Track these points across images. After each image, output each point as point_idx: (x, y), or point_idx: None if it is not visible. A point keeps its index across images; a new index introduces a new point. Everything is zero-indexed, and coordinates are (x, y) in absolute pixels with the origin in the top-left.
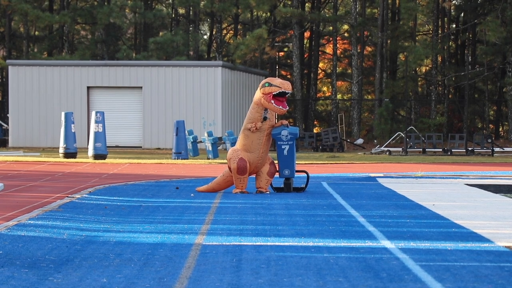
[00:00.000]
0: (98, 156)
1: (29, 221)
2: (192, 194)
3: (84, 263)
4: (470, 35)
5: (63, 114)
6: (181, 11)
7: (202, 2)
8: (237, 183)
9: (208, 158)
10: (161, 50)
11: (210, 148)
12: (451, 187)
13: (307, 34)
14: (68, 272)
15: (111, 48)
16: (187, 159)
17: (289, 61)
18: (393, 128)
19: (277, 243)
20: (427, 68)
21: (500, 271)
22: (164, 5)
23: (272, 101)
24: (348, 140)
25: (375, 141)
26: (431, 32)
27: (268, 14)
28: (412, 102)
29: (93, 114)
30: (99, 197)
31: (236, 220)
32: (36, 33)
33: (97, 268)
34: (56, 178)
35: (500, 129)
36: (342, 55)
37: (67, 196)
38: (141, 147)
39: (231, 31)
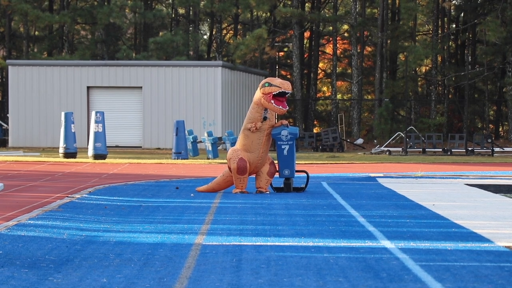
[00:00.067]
0: (98, 156)
1: (29, 221)
2: (192, 194)
3: (84, 263)
4: (470, 35)
5: (63, 114)
6: (181, 11)
7: (202, 2)
8: (237, 183)
9: (208, 158)
10: (161, 50)
11: (210, 148)
12: (451, 187)
13: (307, 34)
14: (68, 272)
15: (111, 48)
16: (187, 159)
17: (289, 61)
18: (393, 128)
19: (277, 243)
20: (427, 68)
21: (500, 271)
22: (164, 5)
23: (272, 101)
24: (348, 140)
25: (375, 141)
26: (431, 32)
27: (268, 14)
28: (412, 102)
29: (93, 114)
30: (99, 197)
31: (236, 220)
32: (36, 33)
33: (97, 268)
34: (56, 178)
35: (500, 129)
36: (342, 55)
37: (67, 196)
38: (141, 147)
39: (231, 31)
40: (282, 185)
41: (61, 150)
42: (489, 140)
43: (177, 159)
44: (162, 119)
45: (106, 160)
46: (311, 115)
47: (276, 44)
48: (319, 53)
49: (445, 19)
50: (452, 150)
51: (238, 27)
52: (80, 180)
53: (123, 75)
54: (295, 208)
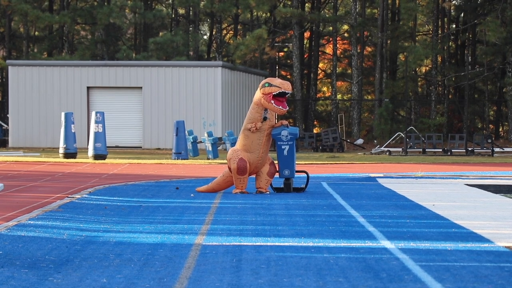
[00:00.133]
0: (98, 156)
1: (29, 221)
2: (192, 194)
3: (84, 263)
4: (470, 35)
5: (63, 114)
6: (181, 11)
7: (202, 2)
8: (237, 183)
9: (208, 158)
10: (161, 50)
11: (210, 148)
12: (451, 187)
13: (307, 34)
14: (68, 272)
15: (111, 48)
16: (187, 159)
17: (289, 61)
18: (393, 128)
19: (277, 243)
20: (427, 68)
21: (500, 271)
22: (164, 5)
23: (272, 101)
24: (348, 140)
25: (375, 141)
26: (431, 32)
27: (268, 14)
28: (412, 102)
29: (93, 114)
30: (99, 197)
31: (236, 220)
32: (36, 33)
33: (97, 268)
34: (56, 178)
35: (500, 129)
36: (342, 55)
37: (67, 196)
38: (141, 147)
39: (231, 31)
40: (282, 185)
41: (61, 151)
42: (489, 140)
43: (177, 159)
44: (162, 119)
45: (106, 161)
46: (311, 115)
47: (276, 44)
48: (319, 53)
49: (445, 19)
50: (452, 150)
51: (238, 27)
52: (80, 181)
53: (123, 75)
54: (295, 208)
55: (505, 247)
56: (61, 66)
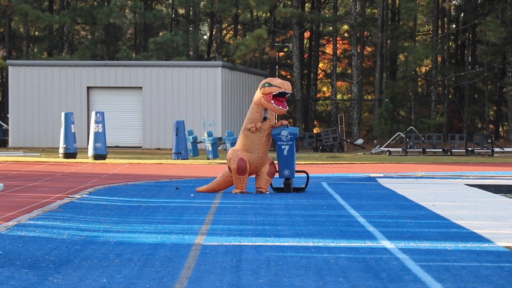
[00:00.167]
0: (98, 156)
1: (29, 221)
2: (192, 195)
3: (84, 263)
4: (470, 35)
5: (63, 114)
6: (181, 11)
7: (202, 2)
8: (237, 183)
9: (208, 158)
10: (161, 50)
11: (210, 148)
12: (451, 187)
13: (307, 34)
14: (68, 272)
15: (111, 48)
16: (187, 159)
17: (289, 61)
18: (393, 128)
19: (277, 243)
20: (427, 68)
21: (500, 271)
22: (164, 5)
23: (272, 101)
24: (348, 140)
25: (375, 141)
26: (431, 32)
27: (268, 14)
28: (412, 102)
29: (93, 114)
30: (99, 197)
31: (236, 220)
32: (36, 33)
33: (97, 268)
34: (56, 178)
35: (500, 129)
36: (342, 55)
37: (67, 196)
38: (141, 147)
39: (231, 31)
40: (282, 185)
41: (61, 151)
42: (489, 140)
43: (177, 159)
44: (162, 119)
45: (106, 161)
46: (311, 116)
47: (276, 44)
48: (319, 53)
49: (445, 19)
50: (452, 150)
51: (238, 27)
52: (80, 181)
53: (123, 75)
54: (295, 208)
55: (505, 247)
56: (61, 66)
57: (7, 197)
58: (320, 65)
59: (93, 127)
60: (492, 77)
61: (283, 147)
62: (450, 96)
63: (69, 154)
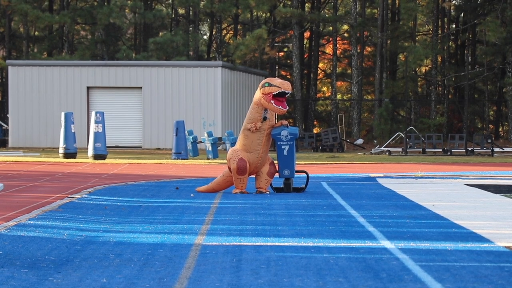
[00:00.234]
0: (98, 156)
1: (29, 221)
2: (192, 195)
3: (84, 263)
4: (470, 35)
5: (63, 114)
6: (181, 11)
7: (202, 2)
8: (237, 183)
9: (208, 158)
10: (161, 50)
11: (210, 148)
12: (451, 187)
13: (307, 34)
14: (68, 272)
15: (111, 48)
16: (187, 159)
17: (289, 61)
18: (393, 128)
19: (277, 243)
20: (427, 68)
21: (500, 271)
22: (164, 5)
23: (272, 101)
24: (348, 140)
25: (375, 141)
26: (431, 32)
27: (268, 14)
28: (412, 102)
29: (93, 114)
30: (99, 197)
31: (236, 220)
32: (36, 33)
33: (97, 268)
34: (56, 178)
35: (500, 129)
36: (342, 55)
37: (67, 196)
38: (141, 147)
39: (231, 31)
40: (282, 185)
41: (61, 151)
42: (489, 140)
43: (177, 159)
44: (162, 119)
45: (106, 161)
46: (311, 116)
47: (276, 44)
48: (319, 53)
49: (445, 19)
50: (452, 150)
51: (238, 27)
52: (80, 181)
53: (123, 75)
54: (295, 208)
55: (505, 247)
56: (61, 66)
57: (7, 197)
58: (320, 65)
59: (93, 127)
60: (492, 77)
61: (283, 147)
62: (450, 96)
63: (69, 154)
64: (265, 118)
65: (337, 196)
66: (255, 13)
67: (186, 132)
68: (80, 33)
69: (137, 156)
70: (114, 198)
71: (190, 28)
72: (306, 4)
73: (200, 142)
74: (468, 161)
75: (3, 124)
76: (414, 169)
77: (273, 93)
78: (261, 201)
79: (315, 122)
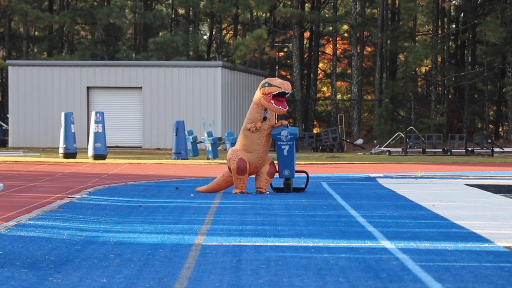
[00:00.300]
0: (98, 156)
1: (29, 222)
2: (192, 195)
3: (84, 264)
4: (470, 35)
5: (63, 114)
6: (181, 11)
7: (202, 3)
8: (237, 183)
9: (208, 159)
10: (161, 51)
11: (210, 149)
12: (451, 187)
13: (307, 34)
14: (68, 273)
15: (111, 49)
16: (187, 159)
17: (289, 61)
18: (393, 128)
19: (277, 244)
20: (427, 68)
21: (500, 271)
22: (164, 5)
23: (272, 101)
24: (348, 140)
25: (375, 141)
26: (431, 32)
27: (268, 14)
28: (412, 102)
29: (93, 114)
30: (99, 197)
31: (236, 220)
32: (36, 33)
33: (97, 269)
34: (56, 178)
35: (500, 129)
36: (342, 55)
37: (67, 197)
38: (141, 147)
39: (231, 32)
40: (282, 186)
41: (61, 151)
42: (489, 140)
43: (177, 159)
44: (162, 120)
45: (106, 161)
46: (311, 116)
47: (276, 44)
48: (319, 53)
49: (445, 19)
50: (452, 150)
51: (238, 27)
52: (80, 181)
53: (123, 75)
54: (295, 208)
55: (505, 247)
56: (61, 66)
57: (7, 197)
58: (320, 65)
59: (93, 127)
60: (492, 77)
61: (283, 147)
62: (450, 96)
63: (69, 154)
64: (265, 118)
65: (337, 196)
66: (255, 13)
67: (186, 132)
68: (80, 33)
69: (137, 156)
70: (114, 198)
71: (190, 28)
72: (306, 4)
73: (200, 142)
74: (468, 161)
75: (3, 124)
76: (414, 169)
77: (273, 93)
78: (261, 201)
79: (315, 122)
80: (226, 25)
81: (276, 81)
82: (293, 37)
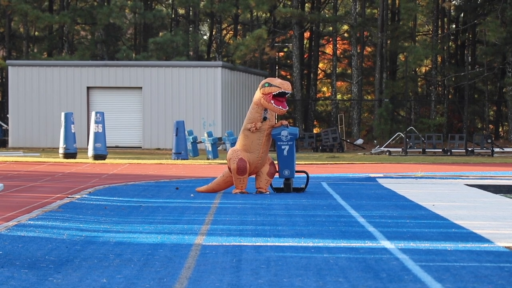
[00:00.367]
0: (98, 156)
1: (29, 222)
2: (192, 195)
3: (84, 264)
4: (470, 36)
5: (63, 114)
6: (181, 11)
7: (202, 3)
8: (237, 183)
9: (208, 159)
10: (161, 51)
11: (210, 149)
12: (451, 187)
13: (307, 34)
14: (68, 273)
15: (111, 49)
16: (187, 159)
17: (289, 61)
18: (393, 128)
19: (277, 244)
20: (427, 68)
21: (500, 271)
22: (164, 5)
23: (272, 101)
24: (348, 141)
25: (375, 141)
26: (431, 32)
27: (268, 14)
28: (412, 102)
29: (93, 114)
30: (99, 197)
31: (236, 220)
32: (36, 33)
33: (97, 269)
34: (56, 178)
35: (500, 129)
36: (342, 56)
37: (67, 197)
38: (141, 147)
39: (231, 32)
40: (282, 186)
41: (61, 151)
42: (489, 141)
43: (177, 159)
44: (162, 120)
45: (106, 161)
46: (311, 116)
47: (276, 44)
48: (319, 53)
49: (445, 19)
50: (452, 150)
51: (238, 27)
52: (80, 181)
53: (123, 75)
54: (295, 208)
55: (505, 247)
56: (61, 66)
57: (7, 197)
58: (320, 65)
59: (93, 127)
60: (492, 77)
61: (283, 147)
62: (450, 96)
63: (69, 154)
64: (265, 118)
65: (337, 196)
66: (255, 13)
67: (186, 132)
68: (80, 33)
69: (137, 156)
70: (114, 198)
71: (190, 28)
72: (306, 4)
73: (200, 142)
74: (468, 161)
75: (3, 124)
76: (414, 169)
77: (273, 93)
78: (261, 201)
79: (315, 122)
80: (226, 25)
81: (276, 81)
82: (293, 37)
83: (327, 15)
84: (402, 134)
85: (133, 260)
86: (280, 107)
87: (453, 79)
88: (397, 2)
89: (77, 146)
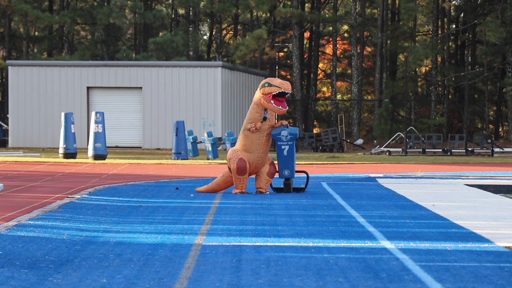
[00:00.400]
0: (98, 156)
1: (29, 222)
2: (192, 195)
3: (84, 264)
4: (470, 36)
5: (63, 114)
6: (181, 11)
7: (202, 3)
8: (236, 183)
9: (208, 159)
10: (161, 51)
11: (210, 149)
12: (451, 187)
13: (307, 34)
14: (68, 273)
15: (111, 49)
16: (187, 159)
17: (289, 61)
18: (393, 128)
19: (277, 244)
20: (427, 68)
21: (500, 271)
22: (164, 5)
23: (272, 101)
24: (348, 141)
25: (375, 141)
26: (431, 32)
27: (268, 14)
28: (412, 102)
29: (93, 114)
30: (99, 197)
31: (236, 220)
32: (36, 33)
33: (97, 269)
34: (56, 178)
35: (500, 129)
36: (342, 56)
37: (67, 197)
38: (141, 147)
39: (231, 32)
40: (282, 186)
41: (61, 151)
42: (489, 141)
43: (177, 159)
44: (162, 120)
45: (106, 161)
46: (311, 116)
47: (276, 44)
48: (319, 53)
49: (445, 19)
50: (452, 150)
51: (238, 27)
52: (80, 181)
53: (123, 75)
54: (295, 208)
55: (505, 247)
56: (61, 66)
57: (7, 197)
58: (320, 65)
59: (93, 127)
60: (492, 77)
61: (283, 147)
62: (450, 96)
63: (69, 154)
64: (265, 118)
65: (337, 196)
66: (255, 13)
67: (186, 132)
68: (80, 33)
69: (137, 156)
70: (114, 198)
71: (190, 28)
72: (306, 4)
73: (200, 142)
74: (468, 161)
75: (3, 124)
76: (414, 169)
77: (273, 93)
78: (261, 201)
79: (315, 122)
80: (226, 25)
81: (276, 81)
82: (293, 37)
83: (327, 15)
84: (402, 134)
85: (133, 260)
86: (280, 107)
87: (453, 79)
88: (397, 2)
89: (77, 146)
